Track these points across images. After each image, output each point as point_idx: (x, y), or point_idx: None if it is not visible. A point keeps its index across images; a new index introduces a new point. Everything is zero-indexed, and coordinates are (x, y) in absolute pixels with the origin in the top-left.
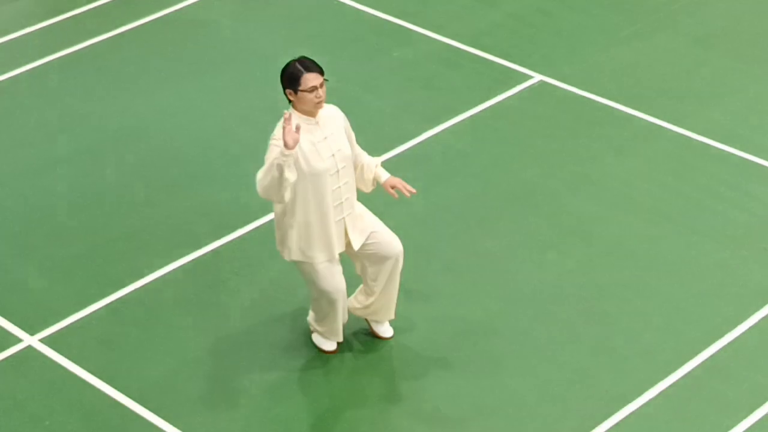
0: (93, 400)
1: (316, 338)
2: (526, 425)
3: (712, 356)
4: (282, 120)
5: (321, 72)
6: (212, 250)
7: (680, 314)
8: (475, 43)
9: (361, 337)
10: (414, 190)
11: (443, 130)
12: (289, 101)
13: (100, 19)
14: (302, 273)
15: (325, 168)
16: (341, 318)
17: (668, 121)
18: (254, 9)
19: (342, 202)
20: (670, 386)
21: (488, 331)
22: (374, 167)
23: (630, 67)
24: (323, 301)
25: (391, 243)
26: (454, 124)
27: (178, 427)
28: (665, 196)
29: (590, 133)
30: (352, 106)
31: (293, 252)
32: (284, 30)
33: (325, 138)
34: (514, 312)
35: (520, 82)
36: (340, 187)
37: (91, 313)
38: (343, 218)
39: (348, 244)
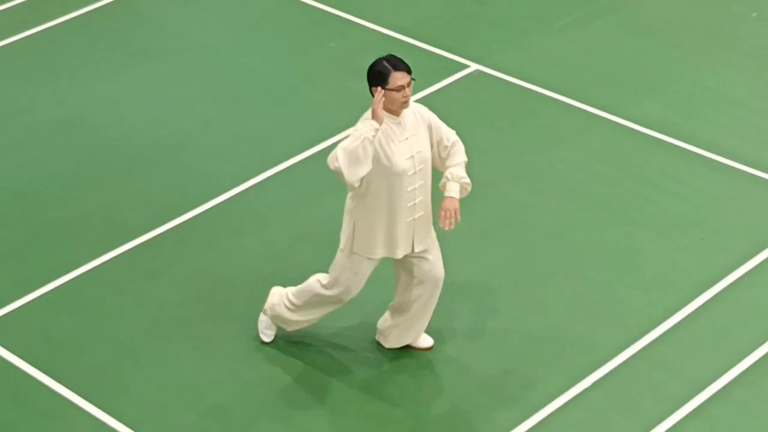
0: (29, 390)
1: (264, 322)
2: (462, 415)
3: (649, 345)
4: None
5: (409, 71)
6: (149, 240)
7: (618, 303)
8: (411, 33)
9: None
10: (455, 222)
11: None
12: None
13: (39, 10)
14: (338, 260)
15: (403, 168)
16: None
17: (606, 111)
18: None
19: (415, 204)
20: (607, 375)
21: None
22: (450, 179)
23: (567, 56)
24: (330, 292)
25: (434, 267)
26: None
27: (115, 417)
28: (603, 186)
29: (528, 123)
30: (289, 96)
31: (353, 244)
32: (223, 21)
33: (407, 138)
34: (450, 301)
35: (456, 71)
36: (415, 188)
37: (28, 303)
38: (414, 220)
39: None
